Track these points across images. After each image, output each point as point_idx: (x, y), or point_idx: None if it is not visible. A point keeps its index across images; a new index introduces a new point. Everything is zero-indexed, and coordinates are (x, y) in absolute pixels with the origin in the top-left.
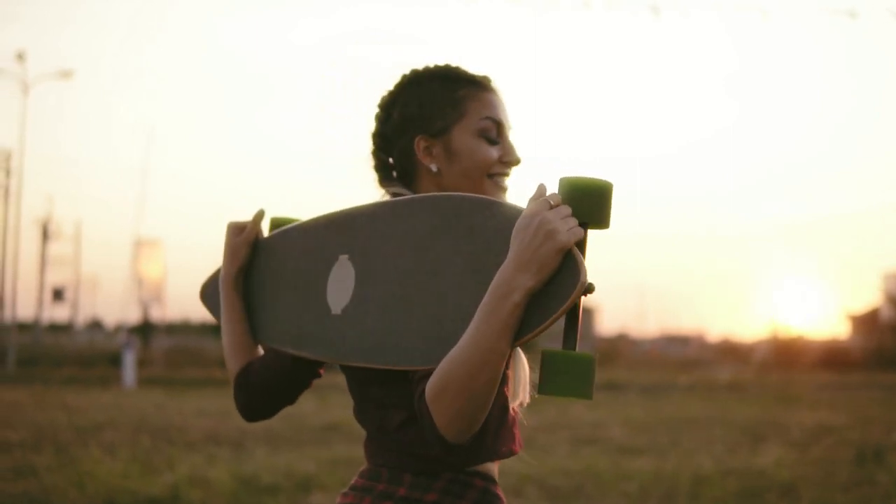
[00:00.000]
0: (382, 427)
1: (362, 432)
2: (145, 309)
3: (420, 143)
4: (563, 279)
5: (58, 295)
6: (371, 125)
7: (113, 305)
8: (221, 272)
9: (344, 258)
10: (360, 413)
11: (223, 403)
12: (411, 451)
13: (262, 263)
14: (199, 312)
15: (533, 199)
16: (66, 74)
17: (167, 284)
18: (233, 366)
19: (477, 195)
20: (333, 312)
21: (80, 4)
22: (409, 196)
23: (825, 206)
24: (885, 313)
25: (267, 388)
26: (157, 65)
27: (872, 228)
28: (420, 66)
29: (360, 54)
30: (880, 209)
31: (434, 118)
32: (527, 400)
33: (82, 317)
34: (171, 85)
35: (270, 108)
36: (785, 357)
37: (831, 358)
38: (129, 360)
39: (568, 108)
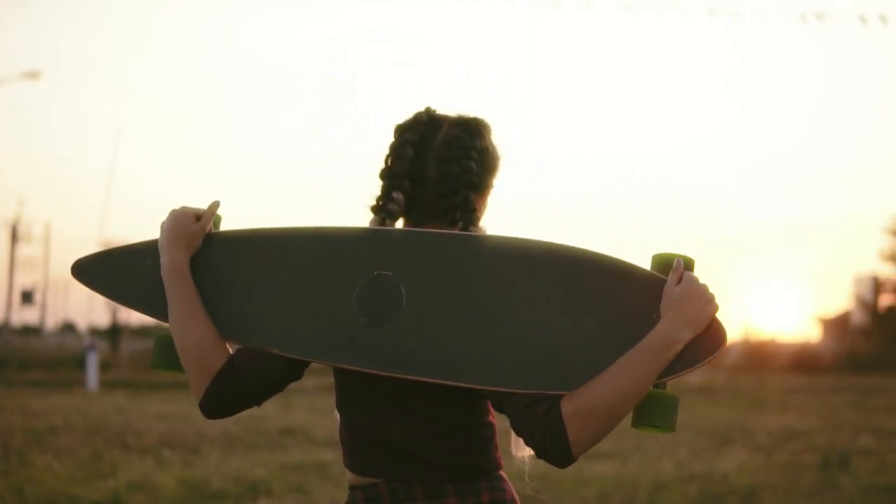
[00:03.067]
0: (415, 437)
1: (321, 434)
2: (113, 312)
3: (491, 186)
4: (710, 337)
5: (27, 297)
6: (454, 161)
7: (85, 308)
8: (171, 260)
9: (383, 275)
10: (380, 423)
11: (184, 407)
12: (449, 461)
13: (223, 259)
14: None
15: (675, 272)
16: (33, 75)
17: None
18: (213, 360)
19: (599, 253)
20: (369, 325)
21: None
22: (505, 237)
23: (798, 212)
24: (856, 317)
25: (249, 389)
26: (128, 64)
27: (844, 233)
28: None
29: (360, 55)
30: (852, 215)
31: (497, 170)
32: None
33: (55, 319)
34: (142, 85)
35: (250, 108)
36: (756, 360)
37: (802, 361)
38: (92, 363)
39: (565, 109)
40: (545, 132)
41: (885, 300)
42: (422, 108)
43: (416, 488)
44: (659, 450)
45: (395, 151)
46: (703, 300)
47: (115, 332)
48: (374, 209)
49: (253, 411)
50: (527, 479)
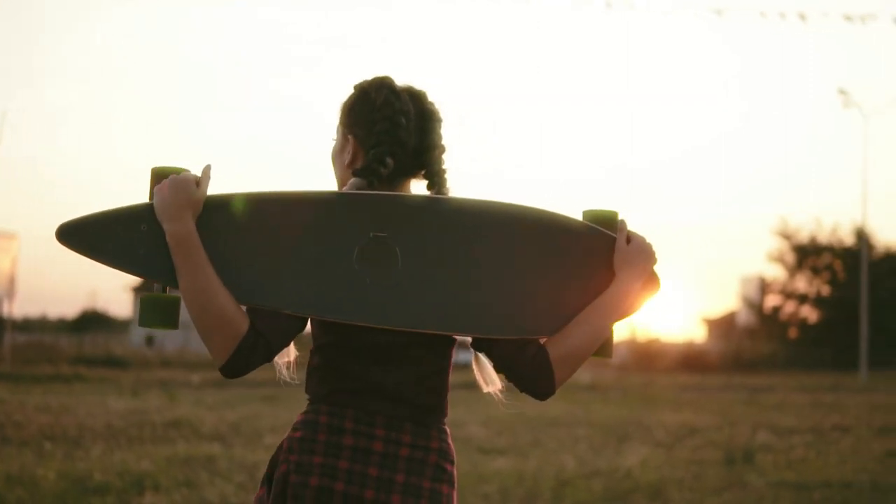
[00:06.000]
0: (400, 379)
1: (208, 428)
2: None
3: None
4: (650, 284)
5: None
6: (434, 132)
7: None
8: (184, 228)
9: (380, 236)
10: (367, 366)
11: (65, 399)
12: (416, 402)
13: (225, 224)
14: (55, 309)
15: (622, 231)
16: None
17: (19, 280)
18: (238, 325)
19: (563, 214)
20: (372, 283)
21: None
22: (483, 200)
23: (684, 214)
24: (742, 317)
25: (271, 348)
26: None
27: (732, 235)
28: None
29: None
30: (740, 217)
31: None
32: (500, 385)
33: None
34: (29, 70)
35: (138, 98)
36: (643, 359)
37: (688, 361)
38: None
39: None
40: (539, 137)
41: (771, 301)
42: (382, 77)
43: (378, 419)
44: (557, 445)
45: (391, 120)
46: (650, 255)
47: None
48: (364, 172)
49: (135, 405)
50: (501, 406)
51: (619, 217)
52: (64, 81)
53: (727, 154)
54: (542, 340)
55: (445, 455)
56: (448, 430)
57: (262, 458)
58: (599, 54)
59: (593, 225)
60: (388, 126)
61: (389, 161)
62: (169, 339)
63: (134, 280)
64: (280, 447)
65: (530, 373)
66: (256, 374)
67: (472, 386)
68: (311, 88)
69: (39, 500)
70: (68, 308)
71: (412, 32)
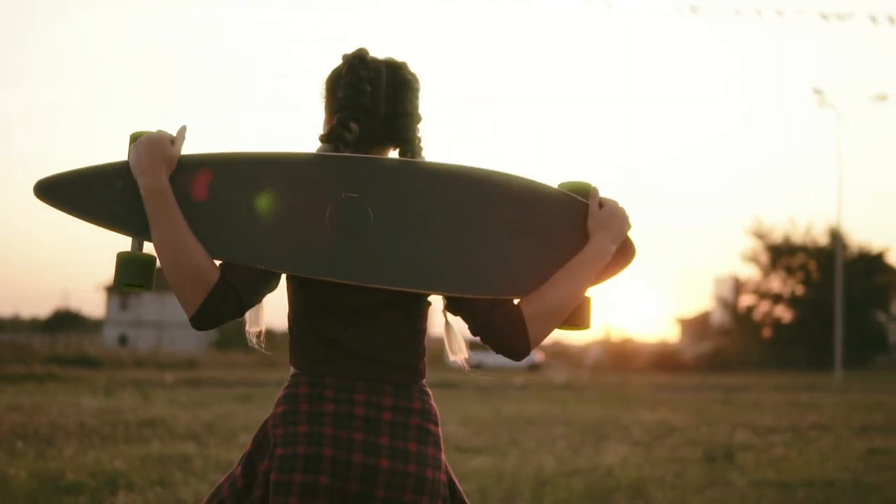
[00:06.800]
0: (375, 340)
1: (182, 427)
2: None
3: None
4: (625, 250)
5: None
6: (407, 101)
7: None
8: (157, 182)
9: (352, 196)
10: (343, 328)
11: (39, 399)
12: (392, 363)
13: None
14: (27, 309)
15: (595, 198)
16: None
17: None
18: (209, 276)
19: (538, 181)
20: (344, 242)
21: None
22: (459, 164)
23: (659, 214)
24: (716, 317)
25: (241, 301)
26: None
27: (705, 236)
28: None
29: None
30: (714, 217)
31: None
32: (466, 355)
33: None
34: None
35: (137, 98)
36: (617, 359)
37: (662, 360)
38: None
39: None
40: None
41: (745, 301)
42: (358, 49)
43: (358, 385)
44: (535, 443)
45: (355, 87)
46: (624, 219)
47: None
48: (329, 137)
49: (109, 404)
50: (466, 368)
51: (593, 187)
52: (63, 81)
53: (700, 156)
54: (517, 301)
55: (428, 416)
56: (430, 392)
57: (237, 456)
58: (598, 54)
59: (568, 193)
60: (352, 92)
61: (354, 126)
62: (142, 339)
63: (107, 280)
64: (265, 425)
65: (505, 330)
66: (231, 374)
67: (451, 385)
68: (312, 88)
69: (11, 499)
70: (41, 308)
71: (412, 32)
